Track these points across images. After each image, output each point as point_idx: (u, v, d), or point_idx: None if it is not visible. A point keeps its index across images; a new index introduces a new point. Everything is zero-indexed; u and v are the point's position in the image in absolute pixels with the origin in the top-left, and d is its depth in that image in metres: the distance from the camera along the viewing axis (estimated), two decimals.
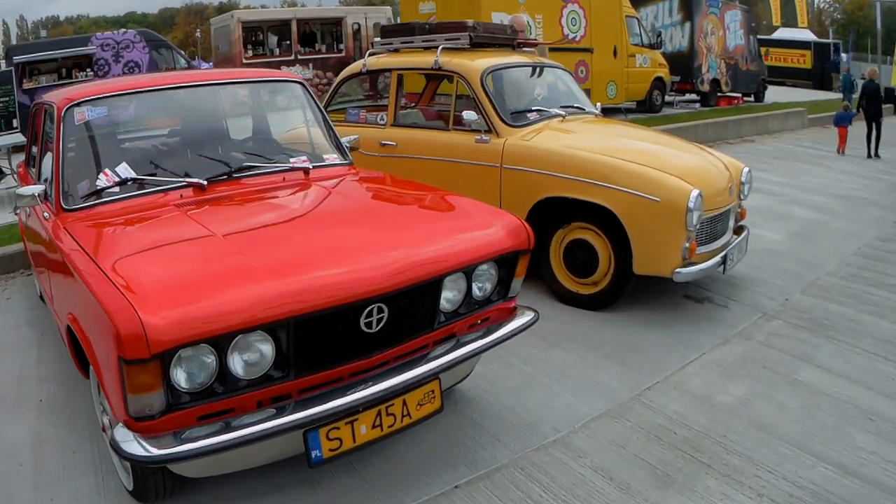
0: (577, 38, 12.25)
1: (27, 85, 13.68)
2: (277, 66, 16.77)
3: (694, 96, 15.86)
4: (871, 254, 5.83)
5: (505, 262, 2.88)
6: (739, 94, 16.39)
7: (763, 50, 19.57)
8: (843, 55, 25.52)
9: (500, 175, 4.74)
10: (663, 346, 4.02)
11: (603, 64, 12.65)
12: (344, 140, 3.87)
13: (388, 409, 2.46)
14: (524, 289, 4.65)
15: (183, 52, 17.81)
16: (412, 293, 2.51)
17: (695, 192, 4.01)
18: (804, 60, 26.15)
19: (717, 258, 4.31)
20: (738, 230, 4.93)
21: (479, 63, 5.02)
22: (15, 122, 13.59)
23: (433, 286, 2.59)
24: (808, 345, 4.05)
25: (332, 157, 3.67)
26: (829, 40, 27.64)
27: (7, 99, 13.54)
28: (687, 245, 4.08)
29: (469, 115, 4.78)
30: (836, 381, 3.61)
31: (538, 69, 5.54)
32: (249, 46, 17.07)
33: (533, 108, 5.04)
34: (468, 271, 2.73)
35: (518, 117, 4.92)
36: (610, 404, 3.41)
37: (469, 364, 3.09)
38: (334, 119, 6.05)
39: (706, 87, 15.32)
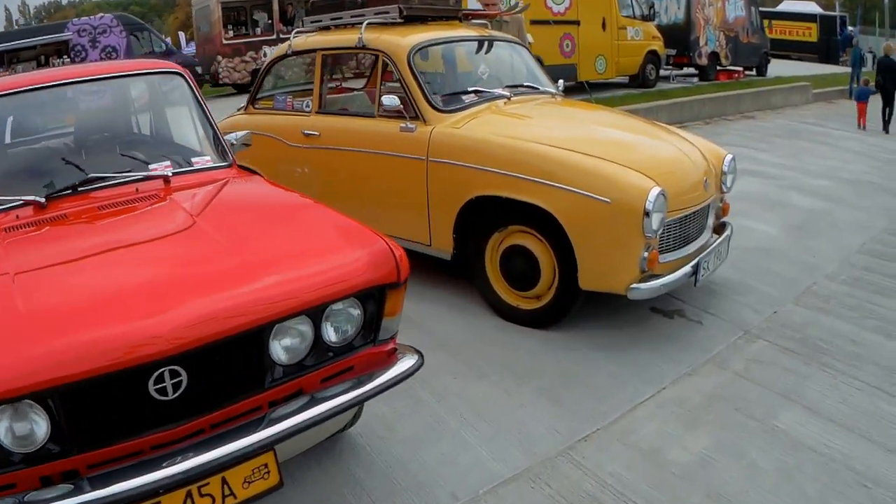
0: (562, 11, 11.33)
1: (1, 74, 13.17)
2: (258, 46, 16.20)
3: (692, 70, 14.86)
4: (879, 251, 4.99)
5: (371, 298, 2.25)
6: (740, 68, 15.37)
7: (766, 22, 18.45)
8: (851, 28, 24.30)
9: (427, 169, 3.95)
10: (614, 379, 3.25)
11: (591, 37, 11.74)
12: (231, 136, 3.34)
13: (202, 489, 1.96)
14: (457, 299, 3.91)
15: (162, 36, 17.16)
16: (220, 350, 1.94)
17: (655, 191, 3.20)
18: (810, 33, 24.96)
19: (687, 268, 3.50)
20: (719, 228, 4.11)
21: (406, 39, 4.21)
22: None
23: (254, 337, 2.01)
24: (795, 375, 3.25)
25: (204, 161, 3.15)
26: (836, 13, 26.35)
27: None
28: (646, 255, 3.28)
29: (390, 99, 3.97)
30: (825, 429, 2.83)
31: (486, 44, 4.69)
32: (231, 27, 16.45)
33: (470, 90, 4.21)
34: (314, 313, 2.11)
35: (451, 100, 4.11)
36: (530, 461, 2.69)
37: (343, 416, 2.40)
38: (264, 106, 5.31)
39: (704, 61, 14.32)
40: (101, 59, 14.15)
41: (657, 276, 3.40)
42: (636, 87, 12.88)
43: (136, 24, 15.83)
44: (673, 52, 14.00)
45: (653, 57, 13.13)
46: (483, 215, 3.77)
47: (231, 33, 16.35)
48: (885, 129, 10.95)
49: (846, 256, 4.84)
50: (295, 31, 5.28)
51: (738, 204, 6.03)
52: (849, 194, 6.59)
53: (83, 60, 13.87)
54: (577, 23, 11.48)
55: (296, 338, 2.10)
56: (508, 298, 3.82)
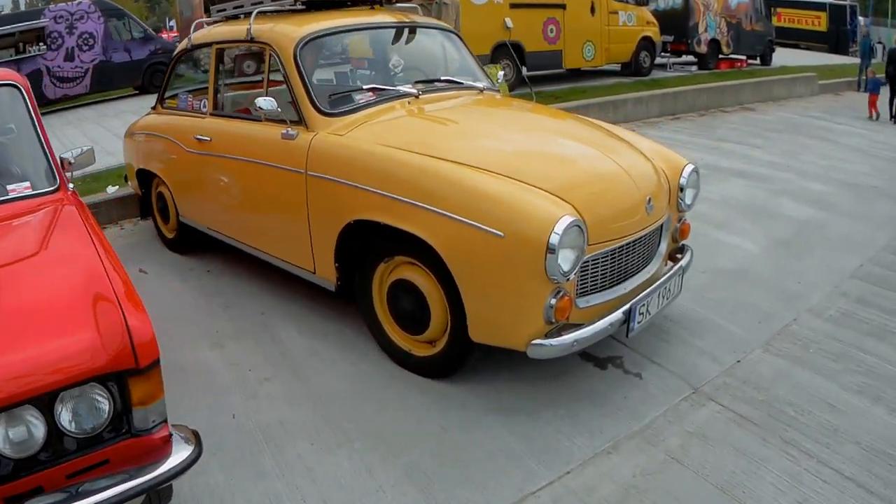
0: None
1: None
2: None
3: (691, 59, 13.90)
4: (878, 276, 4.16)
5: (114, 384, 1.83)
6: (743, 57, 14.36)
7: (772, 10, 17.36)
8: (861, 19, 23.06)
9: (306, 185, 3.18)
10: (506, 456, 2.53)
11: (578, 22, 10.86)
12: (69, 154, 2.94)
13: None
14: (350, 336, 3.42)
15: (140, 21, 16.44)
16: None
17: (564, 221, 2.43)
18: (819, 22, 23.71)
19: (617, 315, 2.72)
20: (676, 254, 3.32)
21: (296, 30, 3.45)
22: None
23: None
24: (747, 459, 2.48)
25: (21, 188, 2.73)
26: (846, 2, 25.08)
27: None
28: (553, 302, 2.51)
29: (266, 102, 3.23)
30: None
31: (405, 33, 3.91)
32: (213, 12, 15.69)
33: (367, 87, 3.43)
34: (37, 402, 1.73)
35: (341, 101, 3.35)
36: None
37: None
38: (170, 105, 4.60)
39: (704, 49, 13.34)
40: (78, 45, 13.51)
41: (575, 326, 2.63)
42: (628, 75, 11.99)
43: (113, 9, 15.18)
44: (670, 38, 13.06)
45: (647, 44, 12.21)
46: (367, 242, 3.02)
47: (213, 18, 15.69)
48: (893, 119, 10.45)
49: (838, 283, 4.03)
50: (196, 21, 4.54)
51: (717, 212, 5.27)
52: (847, 201, 5.73)
53: (59, 48, 13.23)
54: (562, 6, 10.61)
55: (19, 427, 1.71)
56: (400, 341, 3.09)
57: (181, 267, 4.55)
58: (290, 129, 3.28)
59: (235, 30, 3.91)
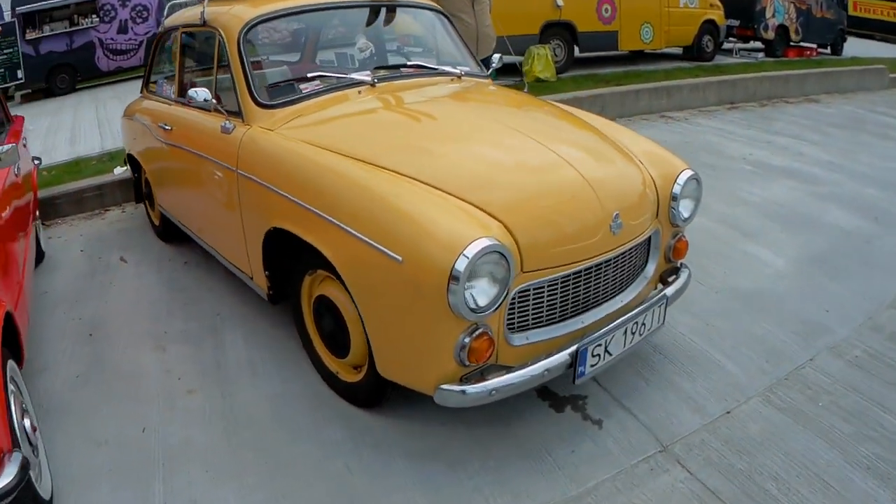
0: None
1: (31, 35, 12.75)
2: None
3: (759, 45, 12.67)
4: None
5: None
6: (813, 45, 12.97)
7: None
8: None
9: (237, 185, 2.76)
10: None
11: (635, 1, 9.97)
12: None
13: None
14: (293, 347, 3.01)
15: None
16: None
17: (477, 245, 1.91)
18: None
19: (559, 358, 2.18)
20: (667, 276, 2.75)
21: (245, 13, 3.01)
22: (20, 73, 12.75)
23: None
24: None
25: None
26: None
27: (11, 50, 12.72)
28: (467, 342, 2.00)
29: (199, 92, 2.82)
30: None
31: (380, 12, 3.41)
32: None
33: (313, 75, 2.95)
34: None
35: (283, 91, 2.91)
36: None
37: None
38: (151, 91, 4.29)
39: (771, 35, 12.08)
40: (132, 18, 13.45)
41: (506, 369, 2.11)
42: (690, 60, 10.99)
43: None
44: (735, 23, 11.90)
45: (710, 27, 11.12)
46: (292, 252, 2.58)
47: None
48: None
49: (872, 313, 3.31)
50: (170, 3, 4.18)
51: (752, 218, 4.55)
52: None
53: (113, 20, 13.24)
54: None
55: None
56: (328, 362, 2.68)
57: (161, 256, 4.24)
58: (227, 121, 2.87)
59: (193, 14, 3.52)
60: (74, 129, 8.38)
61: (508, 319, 2.14)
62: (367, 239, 2.03)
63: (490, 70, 3.70)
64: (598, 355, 2.25)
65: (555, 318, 2.26)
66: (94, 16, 12.99)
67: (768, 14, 12.01)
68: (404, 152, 2.35)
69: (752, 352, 2.95)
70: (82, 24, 12.93)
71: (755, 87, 9.34)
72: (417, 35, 3.63)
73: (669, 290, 2.61)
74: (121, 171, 5.54)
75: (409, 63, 3.23)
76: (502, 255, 1.94)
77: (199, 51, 3.43)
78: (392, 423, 2.48)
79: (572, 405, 2.58)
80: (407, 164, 2.25)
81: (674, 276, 2.77)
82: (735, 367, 2.83)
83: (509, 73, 8.95)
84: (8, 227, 2.61)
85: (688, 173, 2.69)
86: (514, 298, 2.12)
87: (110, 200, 5.33)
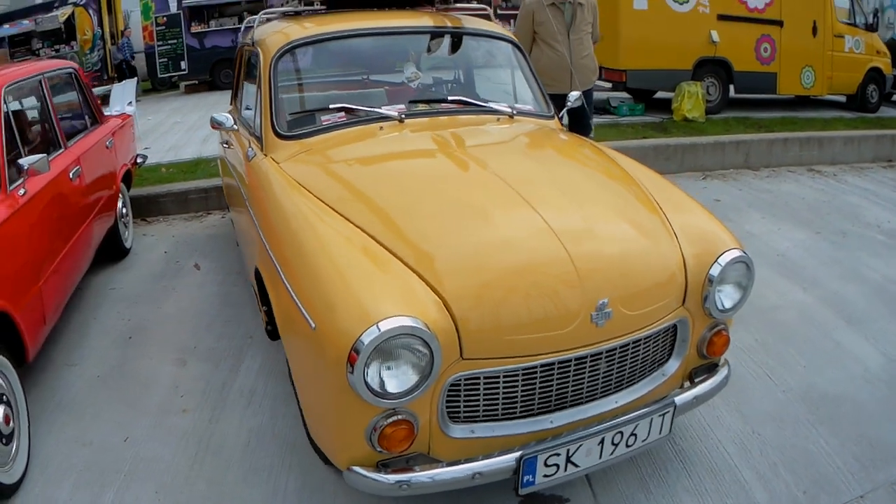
0: (761, 7, 8.72)
1: (196, 28, 13.87)
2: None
3: None
4: None
5: None
6: None
7: None
8: None
9: (248, 216, 2.71)
10: None
11: (796, 42, 8.91)
12: (26, 161, 2.78)
13: None
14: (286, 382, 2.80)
15: None
16: None
17: (389, 323, 1.66)
18: None
19: (498, 462, 1.84)
20: (698, 374, 2.28)
21: (284, 35, 2.96)
22: (183, 64, 13.95)
23: None
24: None
25: None
26: None
27: (176, 41, 13.93)
28: (381, 425, 1.75)
29: (222, 117, 2.81)
30: None
31: (439, 40, 3.22)
32: None
33: (337, 106, 2.80)
34: None
35: (303, 121, 2.80)
36: None
37: None
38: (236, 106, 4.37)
39: None
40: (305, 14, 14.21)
41: (437, 462, 1.83)
42: (853, 109, 9.65)
43: None
44: None
45: (875, 75, 9.71)
46: None
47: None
48: None
49: None
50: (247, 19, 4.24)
51: (863, 300, 3.80)
52: None
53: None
54: (779, 23, 8.75)
55: None
56: None
57: (231, 269, 4.31)
58: (251, 147, 2.82)
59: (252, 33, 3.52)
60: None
61: (449, 408, 1.85)
62: (296, 299, 1.85)
63: (563, 110, 3.36)
64: (557, 465, 1.88)
65: (514, 413, 1.93)
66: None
67: None
68: (378, 208, 2.14)
69: (793, 476, 2.37)
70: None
71: None
72: (477, 66, 3.39)
73: (683, 397, 2.14)
74: None
75: (449, 98, 3.00)
76: (422, 338, 1.66)
77: (251, 71, 3.44)
78: (343, 491, 2.26)
79: None
80: (373, 222, 2.03)
81: (704, 376, 2.29)
82: (762, 495, 2.28)
83: (660, 109, 8.37)
84: (33, 234, 2.72)
85: (733, 254, 2.19)
86: (458, 385, 1.82)
87: (214, 205, 5.54)
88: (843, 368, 3.09)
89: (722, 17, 8.54)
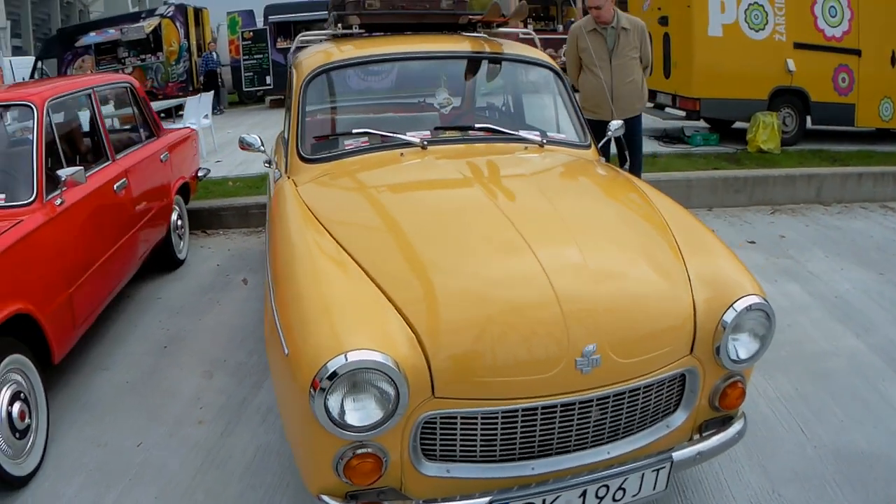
0: (838, 35, 8.26)
1: (281, 45, 14.29)
2: None
3: None
4: None
5: None
6: None
7: None
8: None
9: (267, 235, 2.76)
10: None
11: (875, 72, 8.34)
12: (63, 172, 2.93)
13: None
14: None
15: None
16: None
17: (354, 356, 1.62)
18: None
19: None
20: (709, 426, 2.12)
21: (314, 59, 3.01)
22: (268, 79, 14.40)
23: None
24: None
25: None
26: None
27: (262, 56, 14.41)
28: (348, 456, 1.71)
29: (249, 138, 2.88)
30: None
31: (479, 65, 3.21)
32: None
33: (359, 131, 2.81)
34: None
35: (327, 145, 2.83)
36: None
37: None
38: None
39: None
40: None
41: (407, 500, 1.78)
42: None
43: None
44: None
45: None
46: None
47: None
48: None
49: None
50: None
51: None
52: None
53: None
54: (857, 52, 8.26)
55: None
56: None
57: None
58: (278, 169, 2.87)
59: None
60: None
61: (425, 445, 1.80)
62: (277, 323, 1.86)
63: (604, 139, 3.24)
64: None
65: (494, 456, 1.85)
66: None
67: None
68: (373, 239, 2.13)
69: None
70: None
71: None
72: (514, 92, 3.33)
73: (683, 452, 1.97)
74: None
75: (476, 126, 2.95)
76: (388, 374, 1.61)
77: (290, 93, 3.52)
78: None
79: None
80: (366, 252, 2.01)
81: (713, 430, 2.12)
82: None
83: (735, 139, 8.04)
84: (67, 242, 2.85)
85: (750, 300, 2.01)
86: (434, 422, 1.77)
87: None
88: (884, 424, 2.81)
89: (798, 46, 8.13)
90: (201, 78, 14.41)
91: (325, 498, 1.76)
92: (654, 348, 1.89)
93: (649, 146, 7.84)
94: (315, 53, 3.08)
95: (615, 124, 3.25)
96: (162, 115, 9.40)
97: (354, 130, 2.81)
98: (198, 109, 8.30)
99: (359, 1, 3.21)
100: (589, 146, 3.06)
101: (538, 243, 1.96)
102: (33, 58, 15.35)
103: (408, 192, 2.50)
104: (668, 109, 8.87)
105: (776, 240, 5.19)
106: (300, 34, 3.44)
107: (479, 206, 2.20)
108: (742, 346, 2.03)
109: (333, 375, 1.59)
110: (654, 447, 1.99)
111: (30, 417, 2.48)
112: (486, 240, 2.03)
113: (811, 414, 2.87)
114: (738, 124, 8.70)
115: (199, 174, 5.38)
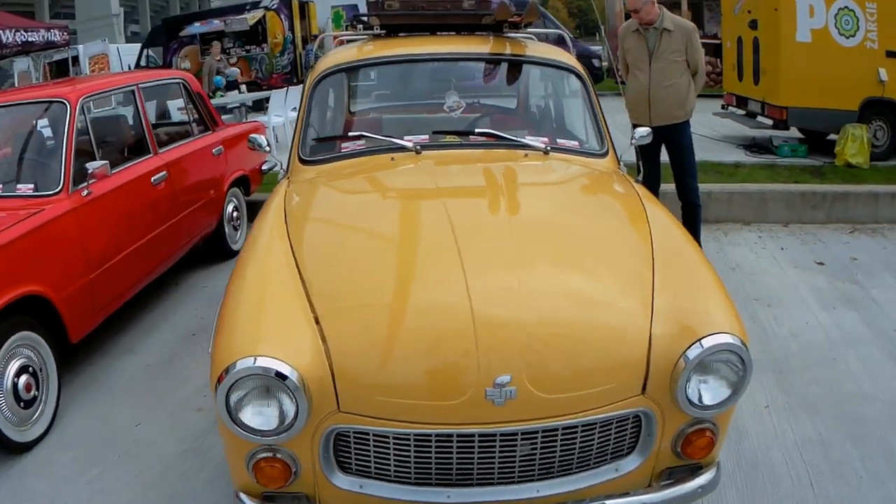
0: None
1: None
2: None
3: None
4: None
5: None
6: None
7: None
8: None
9: None
10: None
11: None
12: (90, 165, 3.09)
13: None
14: None
15: (558, 23, 16.50)
16: None
17: (244, 363, 1.63)
18: None
19: None
20: (675, 473, 1.92)
21: (326, 61, 3.03)
22: None
23: None
24: None
25: (26, 188, 2.98)
26: None
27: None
28: (257, 458, 1.73)
29: (259, 138, 2.94)
30: None
31: (497, 67, 3.12)
32: None
33: (354, 134, 2.80)
34: None
35: (324, 148, 2.84)
36: None
37: None
38: None
39: None
40: None
41: None
42: None
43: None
44: None
45: None
46: None
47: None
48: None
49: None
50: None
51: None
52: None
53: None
54: None
55: None
56: None
57: None
58: (282, 169, 2.92)
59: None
60: None
61: (341, 458, 1.76)
62: (215, 322, 1.88)
63: (629, 145, 3.03)
64: None
65: (409, 478, 1.78)
66: None
67: None
68: (320, 247, 2.13)
69: None
70: None
71: None
72: (531, 95, 3.20)
73: (618, 502, 1.81)
74: None
75: (477, 131, 2.85)
76: (284, 385, 1.60)
77: None
78: None
79: None
80: (310, 260, 1.99)
81: (674, 480, 1.91)
82: None
83: (826, 152, 7.36)
84: (91, 230, 3.03)
85: (721, 339, 1.74)
86: (348, 435, 1.73)
87: None
88: None
89: (891, 54, 7.25)
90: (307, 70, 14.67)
91: (243, 496, 1.77)
92: (590, 384, 1.72)
93: (734, 155, 7.33)
94: (329, 56, 3.09)
95: (641, 131, 3.02)
96: (249, 107, 9.82)
97: (350, 133, 2.79)
98: (285, 102, 8.58)
99: (378, 2, 3.18)
100: (605, 154, 2.86)
101: (476, 266, 1.84)
102: (139, 45, 15.57)
103: (374, 203, 2.46)
104: (759, 118, 8.23)
105: (846, 262, 4.68)
106: (319, 36, 3.45)
107: (433, 222, 2.11)
108: (708, 390, 1.79)
109: (237, 374, 1.62)
110: (598, 490, 1.82)
111: (37, 390, 2.66)
112: (426, 260, 1.97)
113: (828, 466, 2.55)
114: (832, 136, 7.96)
115: (265, 167, 5.54)
